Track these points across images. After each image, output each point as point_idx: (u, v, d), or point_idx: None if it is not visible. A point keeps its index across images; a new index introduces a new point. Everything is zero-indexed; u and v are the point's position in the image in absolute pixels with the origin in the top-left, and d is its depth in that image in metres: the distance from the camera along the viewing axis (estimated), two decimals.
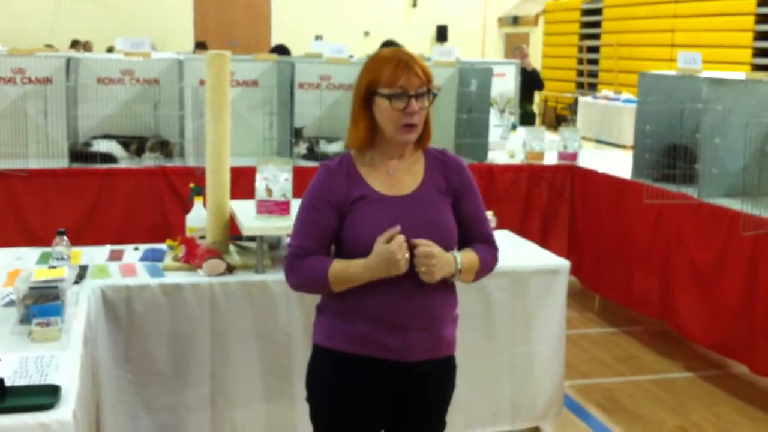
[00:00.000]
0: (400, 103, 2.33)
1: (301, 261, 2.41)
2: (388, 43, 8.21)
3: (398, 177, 2.43)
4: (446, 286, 2.45)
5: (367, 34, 19.04)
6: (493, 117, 6.66)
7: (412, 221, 2.36)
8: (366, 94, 2.38)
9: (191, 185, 4.01)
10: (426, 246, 2.31)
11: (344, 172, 2.42)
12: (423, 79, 2.35)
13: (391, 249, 2.27)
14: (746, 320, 4.47)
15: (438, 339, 2.44)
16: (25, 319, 2.74)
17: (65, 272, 2.86)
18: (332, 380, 2.43)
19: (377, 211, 2.37)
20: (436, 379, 2.49)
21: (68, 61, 5.57)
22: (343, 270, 2.35)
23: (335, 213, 2.39)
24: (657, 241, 5.22)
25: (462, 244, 2.46)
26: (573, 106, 16.34)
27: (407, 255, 2.29)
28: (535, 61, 19.79)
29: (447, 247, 2.41)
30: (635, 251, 5.43)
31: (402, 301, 2.35)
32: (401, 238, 2.29)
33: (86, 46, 16.21)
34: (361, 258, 2.33)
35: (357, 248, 2.34)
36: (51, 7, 17.45)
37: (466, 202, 2.49)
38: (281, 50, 9.32)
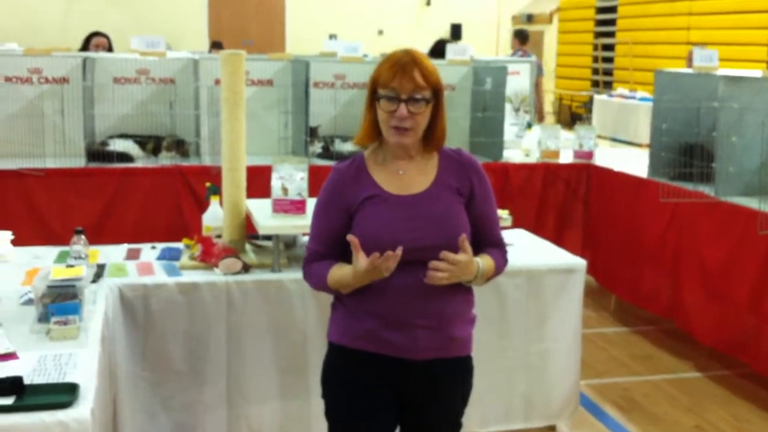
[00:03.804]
0: (390, 106, 2.33)
1: (311, 266, 2.48)
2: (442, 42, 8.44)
3: (409, 177, 2.42)
4: (460, 286, 2.43)
5: (381, 32, 19.02)
6: (508, 115, 6.64)
7: (421, 220, 2.36)
8: (371, 92, 2.39)
9: (207, 184, 4.02)
10: (454, 256, 2.30)
11: (354, 173, 2.43)
12: (420, 84, 2.32)
13: (363, 270, 2.28)
14: (755, 319, 4.44)
15: (448, 338, 2.43)
16: (43, 318, 2.76)
17: (83, 271, 2.87)
18: (344, 377, 2.45)
19: (385, 209, 2.38)
20: (448, 379, 2.48)
21: (84, 60, 5.60)
22: (339, 279, 2.39)
23: (345, 215, 2.41)
24: (673, 240, 5.20)
25: (474, 246, 2.42)
26: (588, 104, 16.26)
27: (386, 272, 2.26)
28: (549, 59, 19.75)
29: (458, 247, 2.41)
30: (650, 250, 5.41)
31: (411, 299, 2.35)
32: (378, 264, 2.25)
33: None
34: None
35: (364, 247, 2.33)
36: (62, 6, 17.51)
37: (480, 203, 2.47)
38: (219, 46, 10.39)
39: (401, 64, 2.33)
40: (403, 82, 2.32)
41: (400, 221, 2.35)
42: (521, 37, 11.00)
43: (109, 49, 7.13)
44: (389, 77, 2.33)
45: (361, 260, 2.28)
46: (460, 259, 2.31)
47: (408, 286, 2.33)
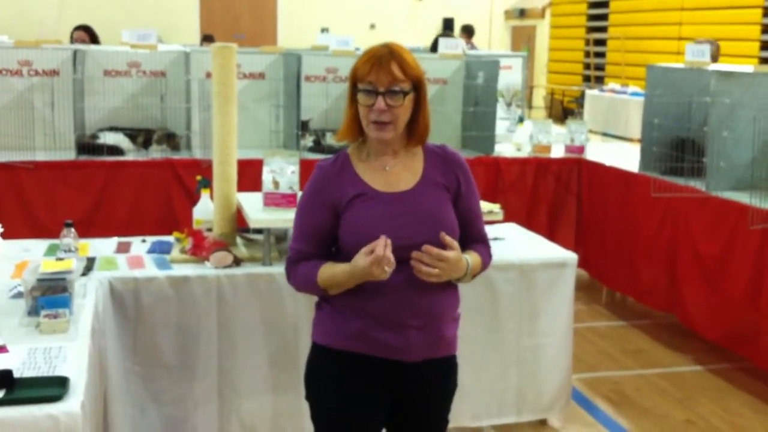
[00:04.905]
0: (368, 100, 2.30)
1: (296, 266, 2.41)
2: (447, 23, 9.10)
3: (395, 173, 2.39)
4: (448, 285, 2.41)
5: (373, 26, 19.00)
6: (500, 110, 6.65)
7: (410, 218, 2.33)
8: (351, 87, 2.36)
9: (198, 177, 4.01)
10: (439, 251, 2.27)
11: (339, 170, 2.39)
12: (398, 77, 2.29)
13: (364, 266, 2.22)
14: (752, 314, 4.46)
15: (439, 338, 2.40)
16: (33, 311, 2.74)
17: (73, 264, 2.86)
18: (331, 378, 2.40)
19: (374, 207, 2.34)
20: (438, 378, 2.46)
21: (75, 53, 5.57)
22: (331, 278, 2.33)
23: (330, 214, 2.36)
24: (664, 234, 5.21)
25: (459, 244, 2.40)
26: (580, 99, 16.28)
27: (389, 266, 2.22)
28: (542, 54, 19.75)
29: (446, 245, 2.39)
30: (643, 244, 5.42)
31: (401, 299, 2.32)
32: (380, 252, 2.21)
33: None
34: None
35: (354, 246, 2.30)
36: None
37: (465, 199, 2.45)
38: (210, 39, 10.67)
39: (378, 57, 2.30)
40: (380, 75, 2.29)
41: (390, 219, 2.32)
42: (468, 32, 12.37)
43: (93, 41, 7.12)
44: (366, 71, 2.30)
45: (360, 258, 2.24)
46: (449, 255, 2.28)
47: (398, 284, 2.30)
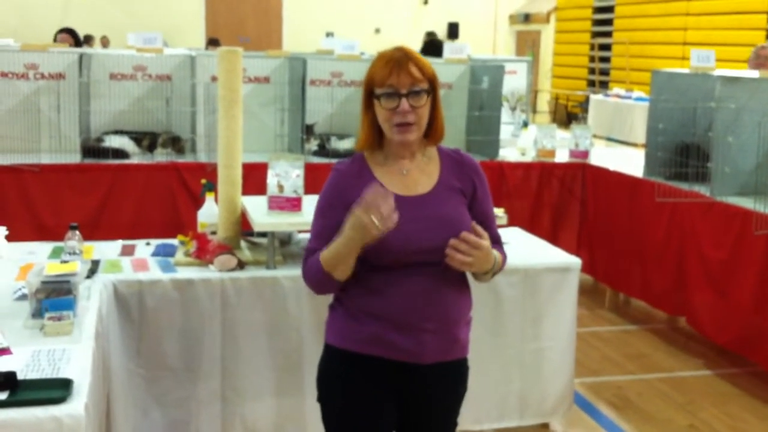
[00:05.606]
0: (391, 103, 2.30)
1: (308, 260, 2.41)
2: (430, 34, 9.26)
3: (413, 177, 2.39)
4: (462, 288, 2.42)
5: (377, 31, 19.05)
6: (505, 114, 6.66)
7: (429, 221, 2.33)
8: (367, 95, 2.36)
9: (203, 181, 4.02)
10: (476, 239, 2.27)
11: (357, 173, 2.39)
12: (418, 77, 2.30)
13: (355, 213, 2.19)
14: (759, 318, 4.46)
15: (452, 341, 2.40)
16: (37, 313, 2.75)
17: (77, 267, 2.87)
18: (344, 381, 2.40)
19: None
20: (450, 381, 2.46)
21: (81, 56, 5.59)
22: (330, 254, 2.29)
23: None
24: (670, 239, 5.21)
25: None
26: (584, 104, 16.30)
27: (378, 217, 2.17)
28: (546, 59, 19.76)
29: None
30: (650, 248, 5.41)
31: (417, 302, 2.32)
32: (370, 198, 2.18)
33: (103, 41, 16.31)
34: (381, 261, 2.30)
35: (373, 249, 2.28)
36: (61, 2, 17.51)
37: (480, 203, 2.46)
38: (215, 43, 10.80)
39: (395, 59, 2.31)
40: (400, 77, 2.29)
41: (408, 222, 2.30)
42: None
43: (76, 44, 7.15)
44: (385, 75, 2.30)
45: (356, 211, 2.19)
46: (484, 244, 2.28)
47: (415, 288, 2.30)
